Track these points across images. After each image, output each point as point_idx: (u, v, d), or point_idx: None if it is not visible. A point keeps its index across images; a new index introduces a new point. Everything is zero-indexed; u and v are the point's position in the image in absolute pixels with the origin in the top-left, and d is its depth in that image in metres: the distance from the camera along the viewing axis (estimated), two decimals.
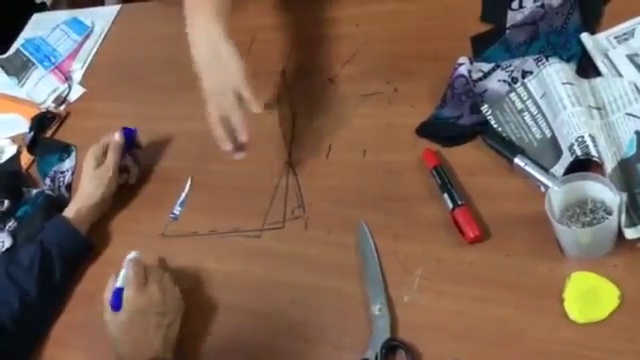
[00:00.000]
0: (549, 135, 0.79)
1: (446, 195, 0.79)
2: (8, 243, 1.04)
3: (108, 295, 0.82)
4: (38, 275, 0.90)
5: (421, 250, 0.78)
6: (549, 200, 0.68)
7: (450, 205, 0.78)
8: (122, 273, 0.84)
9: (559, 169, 0.75)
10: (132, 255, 0.86)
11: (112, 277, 0.85)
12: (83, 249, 0.97)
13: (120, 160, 1.01)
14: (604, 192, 0.68)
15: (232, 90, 0.84)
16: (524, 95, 0.83)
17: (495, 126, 0.83)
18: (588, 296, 0.66)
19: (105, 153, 1.00)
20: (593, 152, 0.71)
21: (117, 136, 1.00)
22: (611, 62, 0.81)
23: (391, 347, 0.71)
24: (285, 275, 0.84)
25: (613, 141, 0.74)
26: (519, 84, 0.84)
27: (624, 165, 0.72)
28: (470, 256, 0.75)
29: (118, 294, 0.81)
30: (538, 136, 0.80)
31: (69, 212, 0.97)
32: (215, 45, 0.85)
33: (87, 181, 0.99)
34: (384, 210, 0.83)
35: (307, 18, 1.14)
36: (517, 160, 0.77)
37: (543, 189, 0.74)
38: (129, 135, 1.03)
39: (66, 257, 0.94)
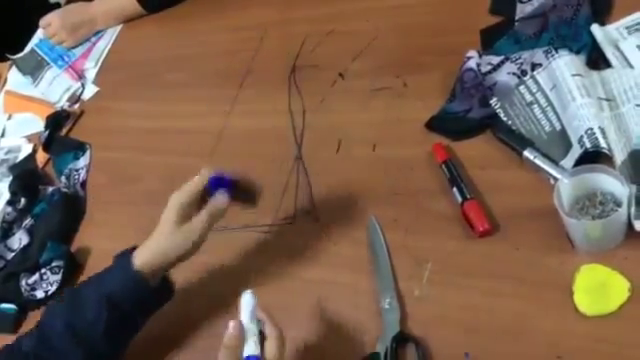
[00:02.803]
0: (558, 128, 0.78)
1: (455, 189, 0.79)
2: (25, 240, 1.06)
3: None
4: (104, 331, 0.75)
5: (431, 244, 0.78)
6: (558, 193, 0.68)
7: (459, 199, 0.78)
8: (251, 340, 0.66)
9: (569, 162, 0.75)
10: (248, 297, 0.69)
11: (229, 332, 0.67)
12: (158, 299, 0.81)
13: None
14: (614, 184, 0.67)
15: None
16: (533, 87, 0.83)
17: (504, 119, 0.83)
18: (598, 289, 0.66)
19: (194, 204, 0.78)
20: (603, 144, 0.71)
21: (221, 199, 0.79)
22: (622, 53, 0.81)
23: (401, 341, 0.71)
24: (295, 270, 0.84)
25: (623, 133, 0.73)
26: (528, 76, 0.84)
27: (634, 157, 0.71)
28: (480, 250, 0.75)
29: None
30: (547, 129, 0.79)
31: (140, 259, 0.76)
32: None
33: (164, 235, 0.77)
34: (394, 204, 0.83)
35: (317, 13, 1.15)
36: (526, 153, 0.77)
37: (553, 182, 0.74)
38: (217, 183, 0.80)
39: (138, 310, 0.78)
